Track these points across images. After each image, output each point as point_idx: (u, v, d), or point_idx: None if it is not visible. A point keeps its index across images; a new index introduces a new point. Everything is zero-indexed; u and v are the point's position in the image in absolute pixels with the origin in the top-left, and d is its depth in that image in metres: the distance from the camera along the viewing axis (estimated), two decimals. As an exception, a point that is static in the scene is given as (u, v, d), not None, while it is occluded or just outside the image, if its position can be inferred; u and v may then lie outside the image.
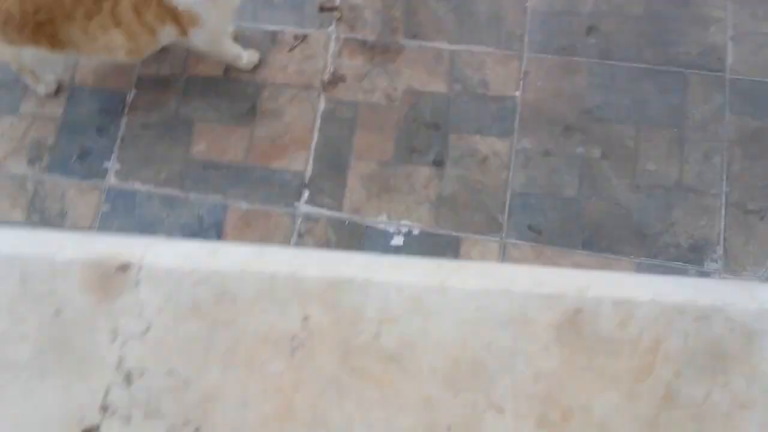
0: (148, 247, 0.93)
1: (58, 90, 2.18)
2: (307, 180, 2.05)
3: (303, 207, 2.02)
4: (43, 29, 1.73)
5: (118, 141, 2.11)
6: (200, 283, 0.91)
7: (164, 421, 0.86)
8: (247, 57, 2.12)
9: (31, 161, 2.12)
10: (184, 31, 1.83)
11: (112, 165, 2.11)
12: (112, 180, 2.08)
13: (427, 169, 2.03)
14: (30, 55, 1.88)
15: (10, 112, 2.17)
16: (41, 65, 2.08)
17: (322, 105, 2.12)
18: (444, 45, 2.15)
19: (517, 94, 2.08)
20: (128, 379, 0.88)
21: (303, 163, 2.07)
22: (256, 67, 2.15)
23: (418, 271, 0.92)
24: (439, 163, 2.03)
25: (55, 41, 1.77)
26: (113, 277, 0.91)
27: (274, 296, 0.90)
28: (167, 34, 1.84)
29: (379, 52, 2.16)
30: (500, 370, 0.84)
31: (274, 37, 2.19)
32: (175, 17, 1.78)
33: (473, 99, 2.09)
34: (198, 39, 1.88)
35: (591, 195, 1.96)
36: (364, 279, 0.90)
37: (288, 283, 0.90)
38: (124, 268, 0.92)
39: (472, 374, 0.84)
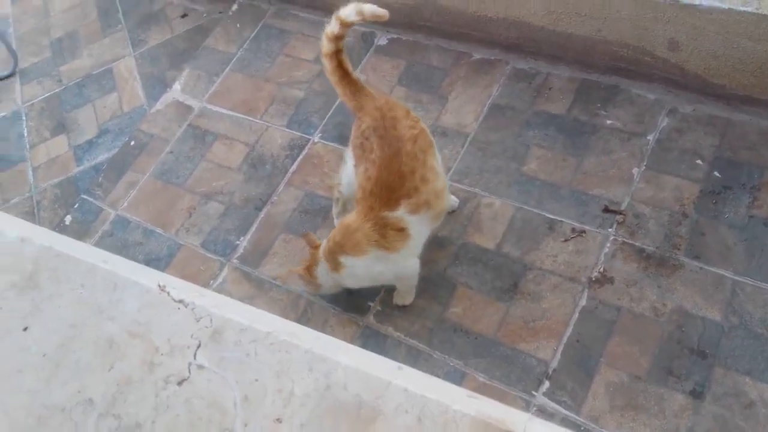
0: (529, 420, 0.99)
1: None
2: (550, 371, 2.01)
3: (540, 398, 1.97)
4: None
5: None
6: None
7: None
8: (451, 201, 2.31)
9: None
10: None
11: (374, 306, 2.26)
12: (371, 319, 2.23)
13: (683, 397, 1.89)
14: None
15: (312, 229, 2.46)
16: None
17: (583, 301, 2.10)
18: (728, 273, 2.05)
19: (803, 345, 1.90)
20: None
21: (551, 352, 2.04)
22: (522, 248, 2.22)
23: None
24: (697, 395, 1.88)
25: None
26: None
27: None
28: None
29: (655, 264, 2.11)
30: None
31: (551, 225, 2.26)
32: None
33: (750, 337, 1.94)
34: None
35: None
36: None
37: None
38: None
39: None
